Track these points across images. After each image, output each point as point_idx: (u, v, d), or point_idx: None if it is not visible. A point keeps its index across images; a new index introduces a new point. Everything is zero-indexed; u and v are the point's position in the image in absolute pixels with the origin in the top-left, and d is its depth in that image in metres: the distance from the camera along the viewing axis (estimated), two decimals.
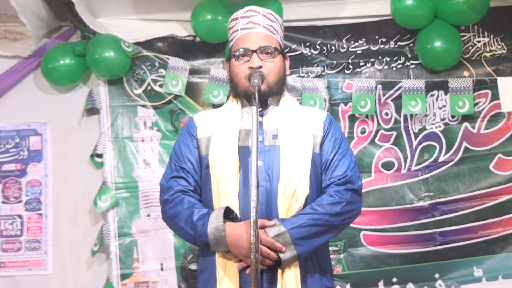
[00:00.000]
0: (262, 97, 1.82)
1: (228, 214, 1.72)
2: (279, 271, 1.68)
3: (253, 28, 1.86)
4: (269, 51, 1.84)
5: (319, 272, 1.76)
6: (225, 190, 1.74)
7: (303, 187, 1.74)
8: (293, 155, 1.77)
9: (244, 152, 1.79)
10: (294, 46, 3.15)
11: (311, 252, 1.72)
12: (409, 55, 3.16)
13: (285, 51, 3.06)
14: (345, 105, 3.11)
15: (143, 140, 3.07)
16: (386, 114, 3.11)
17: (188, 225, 1.72)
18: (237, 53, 1.85)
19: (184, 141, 1.90)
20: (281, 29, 1.94)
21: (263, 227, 1.67)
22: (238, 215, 1.72)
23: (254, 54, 1.82)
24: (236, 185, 1.74)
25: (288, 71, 1.96)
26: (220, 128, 1.86)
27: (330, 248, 2.94)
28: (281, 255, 1.65)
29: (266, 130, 1.84)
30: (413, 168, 3.07)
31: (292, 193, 1.73)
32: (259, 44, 1.83)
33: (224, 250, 1.69)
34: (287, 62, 1.96)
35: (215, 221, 1.67)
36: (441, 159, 3.07)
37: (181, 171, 1.84)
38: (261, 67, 1.81)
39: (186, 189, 1.81)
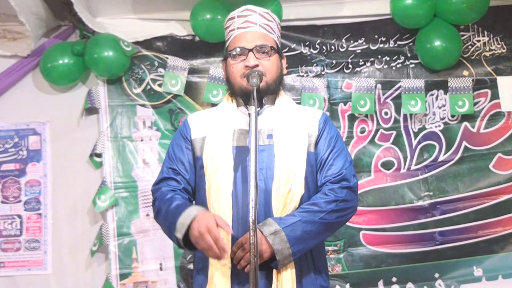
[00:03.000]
0: (258, 95, 1.79)
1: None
2: (275, 271, 1.66)
3: (250, 27, 1.84)
4: (266, 50, 1.82)
5: (314, 271, 1.76)
6: (218, 190, 1.73)
7: (298, 186, 1.73)
8: (287, 155, 1.75)
9: (238, 152, 1.78)
10: (293, 46, 3.15)
11: (306, 252, 1.71)
12: (409, 55, 3.15)
13: (285, 50, 3.10)
14: (345, 104, 3.10)
15: (142, 140, 3.07)
16: (386, 113, 3.11)
17: (166, 215, 1.71)
18: (234, 52, 1.83)
19: (177, 143, 1.90)
20: (278, 29, 1.92)
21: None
22: (231, 214, 1.71)
23: (250, 53, 1.81)
24: (229, 184, 1.73)
25: (285, 70, 1.94)
26: (215, 128, 1.84)
27: (330, 248, 2.95)
28: (276, 254, 1.63)
29: (261, 129, 1.82)
30: (413, 167, 3.07)
31: (287, 192, 1.72)
32: (255, 43, 1.82)
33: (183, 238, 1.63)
34: (284, 62, 1.94)
35: (189, 213, 1.63)
36: (441, 158, 3.07)
37: (172, 173, 1.84)
38: (257, 65, 1.79)
39: (174, 189, 1.81)
